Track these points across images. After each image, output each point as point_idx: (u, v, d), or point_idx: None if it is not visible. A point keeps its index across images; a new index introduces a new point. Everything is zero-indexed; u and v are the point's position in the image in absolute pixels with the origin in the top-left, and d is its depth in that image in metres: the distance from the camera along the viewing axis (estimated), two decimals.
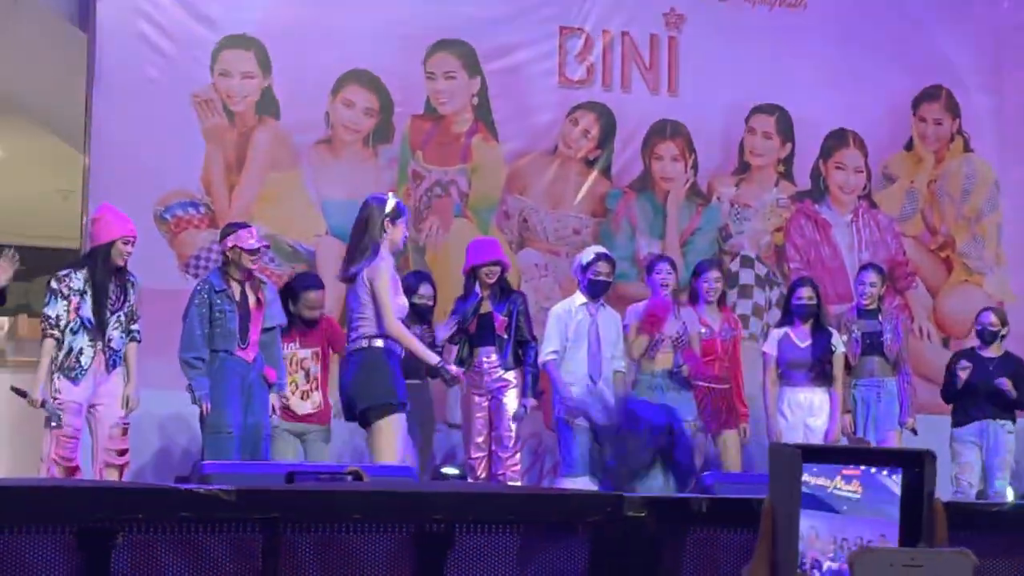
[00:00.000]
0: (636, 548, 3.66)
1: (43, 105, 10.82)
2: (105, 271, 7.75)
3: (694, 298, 9.16)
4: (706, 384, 9.00)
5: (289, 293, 8.45)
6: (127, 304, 7.85)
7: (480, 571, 3.56)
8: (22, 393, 7.66)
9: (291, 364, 8.39)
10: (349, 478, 4.59)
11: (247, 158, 9.61)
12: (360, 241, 7.32)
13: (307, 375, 8.54)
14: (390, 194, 7.64)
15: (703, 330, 9.02)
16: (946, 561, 1.57)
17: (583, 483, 8.66)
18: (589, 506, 3.73)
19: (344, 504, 3.60)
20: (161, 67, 9.46)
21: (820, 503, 1.84)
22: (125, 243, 7.79)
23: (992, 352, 9.52)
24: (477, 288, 8.65)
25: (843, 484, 1.86)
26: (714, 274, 9.18)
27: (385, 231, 7.27)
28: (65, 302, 7.70)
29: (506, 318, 8.63)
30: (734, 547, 3.78)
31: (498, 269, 8.68)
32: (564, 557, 3.65)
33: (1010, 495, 9.25)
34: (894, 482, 1.86)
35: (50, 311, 7.72)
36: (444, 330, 8.61)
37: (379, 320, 7.22)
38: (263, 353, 7.92)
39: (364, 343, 7.26)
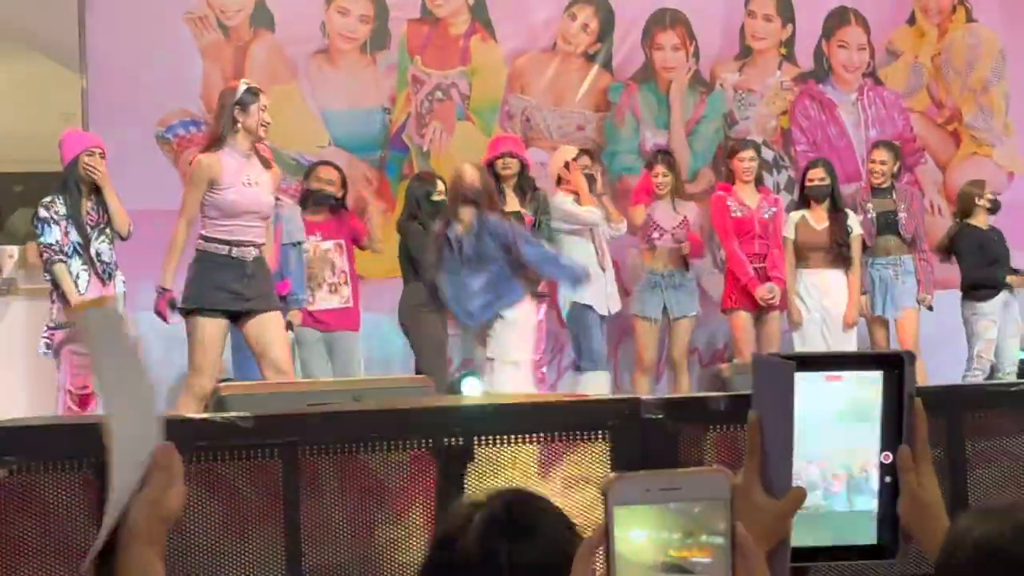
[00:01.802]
0: (656, 450, 3.65)
1: (37, 30, 10.71)
2: (77, 190, 7.73)
3: (731, 179, 9.13)
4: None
5: (305, 175, 8.47)
6: (106, 216, 7.80)
7: (500, 482, 3.57)
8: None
9: (315, 256, 8.37)
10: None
11: (245, 73, 9.50)
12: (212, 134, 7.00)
13: (332, 268, 8.53)
14: (241, 80, 7.26)
15: (738, 211, 8.99)
16: (704, 481, 1.54)
17: (603, 378, 8.72)
18: (606, 411, 3.73)
19: (361, 423, 3.60)
20: None
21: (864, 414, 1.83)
22: (89, 155, 7.73)
23: (989, 223, 9.51)
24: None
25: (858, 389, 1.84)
26: (748, 153, 9.17)
27: (237, 121, 6.79)
28: (57, 227, 7.68)
29: (533, 216, 8.61)
30: None
31: (515, 163, 8.63)
32: (584, 463, 3.66)
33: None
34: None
35: (48, 238, 7.70)
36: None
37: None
38: (281, 268, 7.88)
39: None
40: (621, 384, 9.37)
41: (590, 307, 8.77)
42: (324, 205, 8.53)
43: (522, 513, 2.14)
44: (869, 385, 1.83)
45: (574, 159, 8.88)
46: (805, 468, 1.81)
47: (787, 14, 10.52)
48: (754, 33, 10.48)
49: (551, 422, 3.65)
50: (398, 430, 3.57)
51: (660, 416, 3.68)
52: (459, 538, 2.11)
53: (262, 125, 6.84)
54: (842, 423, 1.83)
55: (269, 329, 6.84)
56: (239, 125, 6.77)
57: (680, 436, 3.70)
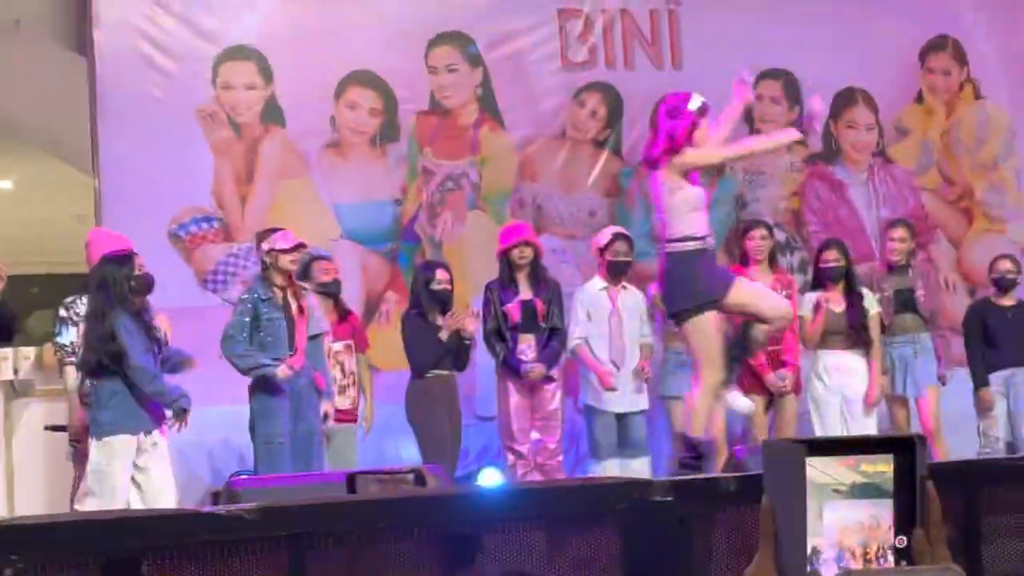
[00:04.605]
0: (666, 532, 3.63)
1: (49, 132, 10.82)
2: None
3: (744, 260, 9.09)
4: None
5: (300, 273, 8.35)
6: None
7: (510, 570, 3.53)
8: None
9: (326, 358, 8.37)
10: (411, 477, 4.57)
11: (256, 168, 9.60)
12: None
13: (343, 369, 8.52)
14: None
15: None
16: None
17: (613, 466, 8.65)
18: (616, 494, 3.71)
19: (367, 514, 3.58)
20: (163, 85, 9.45)
21: (862, 489, 1.82)
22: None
23: (1009, 300, 9.47)
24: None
25: (870, 466, 1.84)
26: (760, 232, 9.06)
27: None
28: (75, 328, 7.69)
29: (545, 305, 8.60)
30: None
31: (530, 251, 8.64)
32: (594, 547, 3.63)
33: None
34: None
35: (63, 338, 7.73)
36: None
37: None
38: (309, 360, 7.90)
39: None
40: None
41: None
42: (331, 301, 8.54)
43: None
44: (883, 468, 1.82)
45: (608, 243, 8.84)
46: (823, 551, 1.81)
47: (794, 96, 10.56)
48: (762, 115, 10.51)
49: (560, 506, 3.63)
50: (405, 519, 3.54)
51: (669, 499, 3.65)
52: None
53: None
54: (858, 506, 1.82)
55: None
56: None
57: (690, 518, 3.67)
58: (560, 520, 3.57)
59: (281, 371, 7.66)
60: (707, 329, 6.77)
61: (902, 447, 1.83)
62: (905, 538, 1.82)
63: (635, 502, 3.63)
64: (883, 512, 1.82)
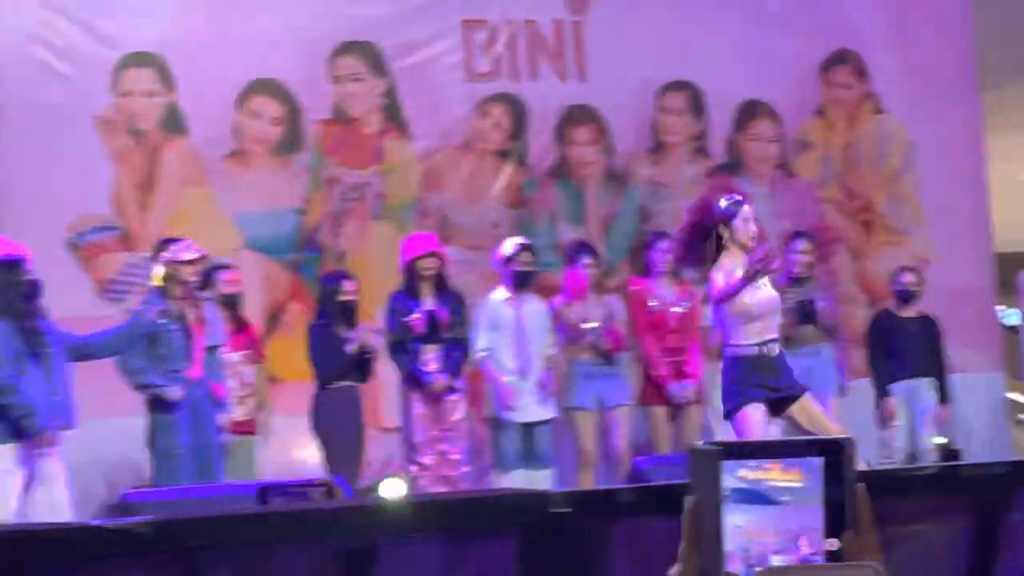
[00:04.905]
0: (563, 544, 3.61)
1: None
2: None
3: (647, 271, 9.10)
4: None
5: (202, 280, 8.21)
6: None
7: None
8: None
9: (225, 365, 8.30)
10: (322, 491, 4.52)
11: (157, 177, 9.49)
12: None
13: (241, 380, 8.45)
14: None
15: (652, 302, 8.98)
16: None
17: (518, 477, 8.64)
18: (513, 506, 3.69)
19: (263, 526, 3.53)
20: (61, 91, 9.33)
21: (759, 496, 1.82)
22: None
23: (910, 312, 9.59)
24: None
25: (782, 474, 1.84)
26: (664, 244, 9.08)
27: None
28: None
29: (449, 316, 8.57)
30: (663, 535, 3.74)
31: (436, 262, 8.61)
32: (492, 559, 3.60)
33: (937, 443, 9.34)
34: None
35: None
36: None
37: None
38: (208, 372, 7.82)
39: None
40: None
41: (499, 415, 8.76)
42: (228, 312, 8.46)
43: None
44: (812, 471, 1.82)
45: (513, 254, 8.82)
46: (749, 553, 1.82)
47: (698, 108, 10.61)
48: (666, 127, 10.56)
49: (457, 518, 3.60)
50: (300, 532, 3.50)
51: (567, 511, 3.64)
52: None
53: None
54: (788, 508, 1.82)
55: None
56: None
57: (588, 530, 3.65)
58: (458, 532, 3.54)
59: (174, 392, 7.60)
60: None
61: (831, 450, 1.84)
62: (836, 540, 1.83)
63: (533, 514, 3.61)
64: (795, 517, 1.83)
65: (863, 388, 9.49)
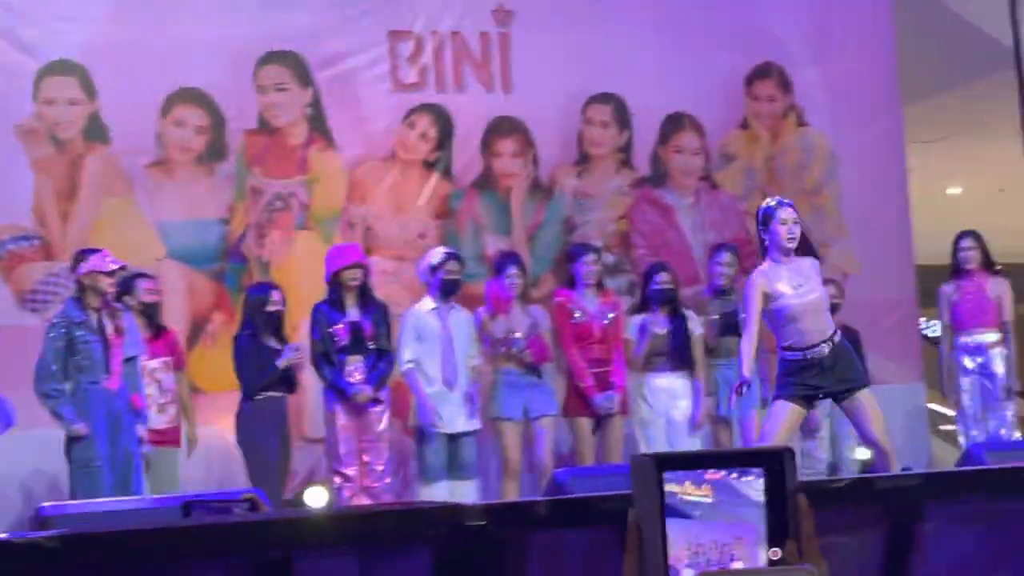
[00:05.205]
0: (478, 557, 3.61)
1: None
2: None
3: (572, 283, 9.13)
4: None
5: (122, 288, 8.21)
6: None
7: None
8: None
9: (143, 374, 8.24)
10: (246, 506, 4.49)
11: (79, 186, 9.41)
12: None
13: (160, 386, 8.40)
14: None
15: (577, 314, 9.00)
16: None
17: (442, 488, 8.63)
18: (428, 518, 3.68)
19: (175, 541, 3.50)
20: None
21: (672, 510, 1.84)
22: None
23: None
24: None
25: (693, 489, 1.85)
26: (590, 257, 9.13)
27: None
28: None
29: (373, 327, 8.56)
30: (580, 548, 3.75)
31: (361, 273, 8.60)
32: (407, 573, 3.59)
33: (861, 456, 9.43)
34: (747, 484, 1.86)
35: None
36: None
37: None
38: (126, 382, 7.77)
39: None
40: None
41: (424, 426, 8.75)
42: (145, 318, 8.42)
43: None
44: (752, 481, 1.83)
45: (440, 262, 8.82)
46: (679, 567, 1.83)
47: (623, 120, 10.66)
48: (591, 139, 10.60)
49: (372, 531, 3.59)
50: (213, 546, 3.47)
51: (483, 523, 3.64)
52: None
53: None
54: (729, 519, 1.83)
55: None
56: None
57: (503, 542, 3.65)
58: (371, 546, 3.53)
59: (80, 429, 7.54)
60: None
61: (771, 461, 1.86)
62: (779, 550, 1.85)
63: (447, 527, 3.60)
64: (736, 529, 1.84)
65: None
